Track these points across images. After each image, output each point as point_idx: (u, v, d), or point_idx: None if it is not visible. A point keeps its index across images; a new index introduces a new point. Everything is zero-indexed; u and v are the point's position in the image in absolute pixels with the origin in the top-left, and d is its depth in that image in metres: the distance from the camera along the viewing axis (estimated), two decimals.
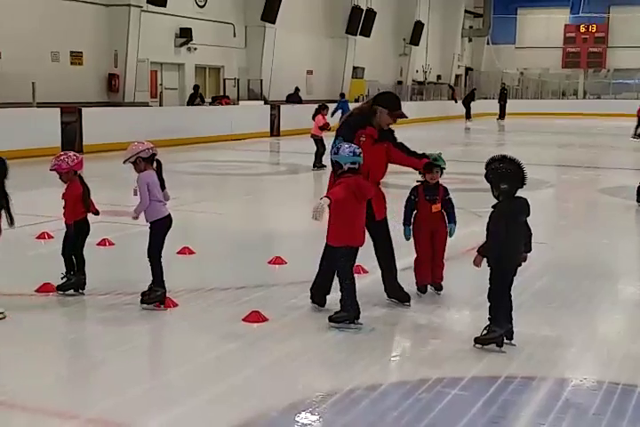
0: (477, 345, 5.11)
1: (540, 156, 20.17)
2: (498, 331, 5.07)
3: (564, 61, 51.25)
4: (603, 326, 5.97)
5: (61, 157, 6.17)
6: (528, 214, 5.16)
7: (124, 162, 5.91)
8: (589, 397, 4.45)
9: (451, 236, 6.34)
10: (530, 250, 5.30)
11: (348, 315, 5.47)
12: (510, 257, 5.07)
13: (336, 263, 5.51)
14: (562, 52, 51.23)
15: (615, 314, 6.22)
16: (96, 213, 6.36)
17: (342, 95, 27.30)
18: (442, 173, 6.23)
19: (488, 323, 5.11)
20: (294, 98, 28.50)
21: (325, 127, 15.71)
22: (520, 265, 5.18)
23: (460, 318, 6.01)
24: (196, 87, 24.81)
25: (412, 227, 6.26)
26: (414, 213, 6.28)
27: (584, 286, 6.86)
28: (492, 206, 5.09)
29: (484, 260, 5.08)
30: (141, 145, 5.89)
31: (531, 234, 5.25)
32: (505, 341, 5.13)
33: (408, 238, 6.28)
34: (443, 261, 6.36)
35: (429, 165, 6.11)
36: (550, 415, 4.15)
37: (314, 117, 16.13)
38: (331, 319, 5.50)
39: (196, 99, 24.41)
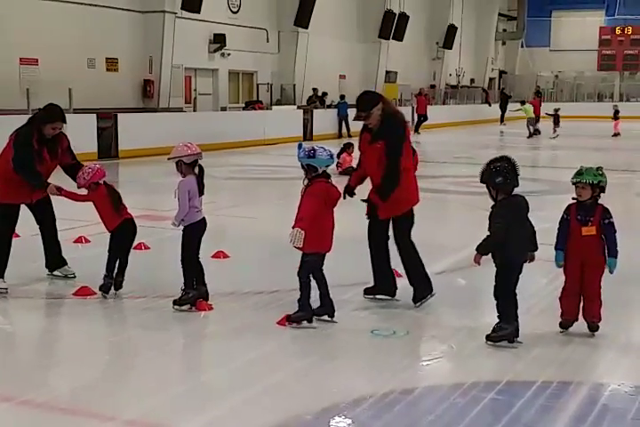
0: (489, 342, 5.18)
1: (576, 159, 19.97)
2: (508, 328, 5.17)
3: (600, 64, 50.66)
4: None
5: (79, 175, 6.24)
6: (527, 211, 5.23)
7: (168, 159, 5.96)
8: (627, 402, 4.41)
9: (611, 272, 5.37)
10: (536, 249, 5.33)
11: (305, 314, 5.55)
12: (515, 255, 5.17)
13: (300, 266, 5.55)
14: (597, 54, 50.67)
15: None
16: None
17: (342, 97, 27.54)
18: (596, 190, 5.32)
19: (497, 321, 5.22)
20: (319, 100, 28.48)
21: (350, 171, 14.70)
22: (525, 262, 5.26)
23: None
24: (314, 89, 27.56)
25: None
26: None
27: (621, 291, 6.77)
28: (492, 206, 5.16)
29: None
30: (187, 149, 5.89)
31: (534, 232, 5.28)
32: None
33: (559, 265, 5.41)
34: (599, 297, 5.41)
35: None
36: (587, 420, 4.11)
37: (338, 156, 14.30)
38: (289, 319, 5.56)
39: (315, 101, 26.93)
